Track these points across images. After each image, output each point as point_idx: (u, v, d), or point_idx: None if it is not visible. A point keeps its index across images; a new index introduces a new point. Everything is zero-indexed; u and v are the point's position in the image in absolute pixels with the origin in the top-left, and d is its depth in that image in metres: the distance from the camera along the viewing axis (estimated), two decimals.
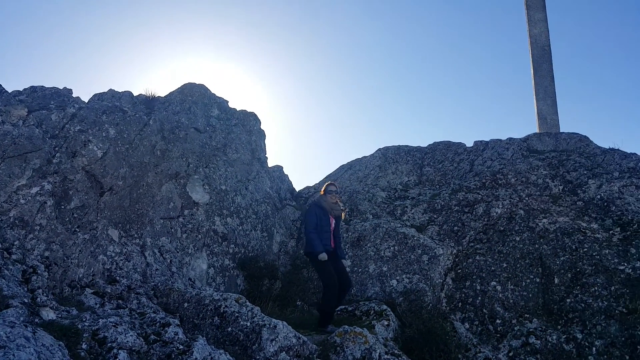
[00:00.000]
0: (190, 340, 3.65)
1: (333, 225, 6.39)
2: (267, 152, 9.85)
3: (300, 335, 4.79)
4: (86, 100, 6.82)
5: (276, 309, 6.29)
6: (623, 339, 5.87)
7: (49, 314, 3.55)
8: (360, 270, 7.78)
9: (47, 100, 6.11)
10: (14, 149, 5.05)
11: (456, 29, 52.13)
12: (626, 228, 7.24)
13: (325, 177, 11.43)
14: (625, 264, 6.64)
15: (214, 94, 8.92)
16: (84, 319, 3.52)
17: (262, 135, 9.86)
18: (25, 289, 3.73)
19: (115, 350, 3.20)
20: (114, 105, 6.66)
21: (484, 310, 6.74)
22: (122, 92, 7.34)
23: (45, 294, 3.81)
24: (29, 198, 4.82)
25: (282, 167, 10.28)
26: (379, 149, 11.64)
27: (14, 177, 4.88)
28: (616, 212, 7.65)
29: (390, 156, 11.20)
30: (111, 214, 5.51)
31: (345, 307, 7.03)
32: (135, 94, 7.54)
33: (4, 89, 5.96)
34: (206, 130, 8.06)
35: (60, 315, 3.62)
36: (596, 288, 6.51)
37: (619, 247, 6.94)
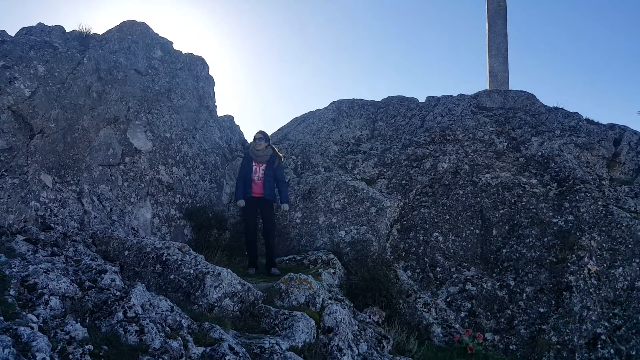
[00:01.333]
0: (129, 287, 3.63)
1: (262, 172, 6.86)
2: (216, 101, 9.49)
3: (246, 282, 4.87)
4: (12, 34, 6.22)
5: (224, 259, 6.36)
6: (551, 285, 6.33)
7: None
8: (310, 222, 7.89)
9: None
10: None
11: None
12: (562, 184, 7.64)
13: (278, 130, 11.32)
14: (559, 217, 7.05)
15: (157, 34, 8.33)
16: (12, 265, 3.43)
17: (210, 81, 9.43)
18: None
19: (46, 297, 3.14)
20: (44, 40, 6.09)
21: (426, 259, 7.05)
22: (52, 26, 6.75)
23: None
24: None
25: (232, 117, 9.99)
26: (333, 102, 11.57)
27: None
28: (555, 168, 8.03)
29: (344, 110, 11.17)
30: (43, 158, 5.21)
31: (294, 256, 7.18)
32: (68, 30, 6.94)
33: None
34: (148, 73, 7.61)
35: None
36: (530, 239, 6.91)
37: (555, 201, 7.35)
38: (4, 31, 6.06)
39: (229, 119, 9.81)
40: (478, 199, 7.65)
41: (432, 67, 60.87)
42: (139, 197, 6.38)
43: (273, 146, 7.27)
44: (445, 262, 6.99)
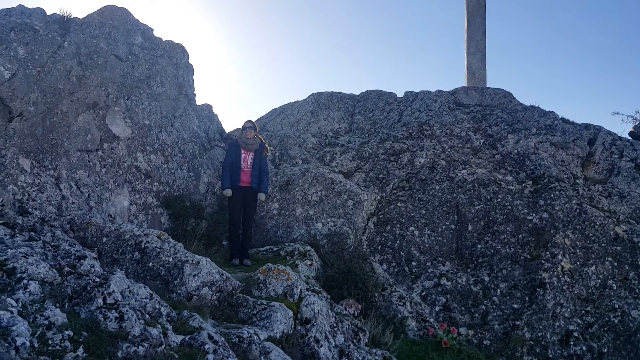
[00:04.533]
0: (108, 273, 3.65)
1: (251, 160, 7.00)
2: (195, 89, 9.51)
3: (224, 271, 4.93)
4: None
5: (201, 248, 6.43)
6: (524, 282, 6.59)
7: None
8: (287, 213, 7.98)
9: None
10: None
11: None
12: (537, 181, 7.93)
13: (257, 120, 11.33)
14: (534, 215, 7.32)
15: (138, 20, 8.34)
16: None
17: (190, 70, 9.45)
18: None
19: (25, 281, 3.16)
20: (24, 22, 6.09)
21: (401, 253, 7.24)
22: (33, 8, 6.72)
23: None
24: None
25: (211, 106, 10.01)
26: (312, 94, 11.67)
27: None
28: (530, 166, 8.32)
29: (322, 102, 11.27)
30: (22, 142, 5.21)
31: (270, 247, 7.26)
32: (49, 13, 6.92)
33: None
34: (128, 59, 7.61)
35: None
36: (505, 235, 7.17)
37: (530, 198, 7.62)
38: None
39: (208, 108, 9.83)
40: (454, 195, 7.88)
41: (411, 63, 61.50)
42: (116, 184, 6.39)
43: (260, 136, 7.38)
44: (421, 257, 7.19)
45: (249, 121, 7.26)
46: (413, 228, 7.55)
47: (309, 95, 11.90)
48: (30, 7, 6.75)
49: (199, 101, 9.75)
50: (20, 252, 3.44)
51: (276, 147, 9.79)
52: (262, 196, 7.15)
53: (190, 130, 8.56)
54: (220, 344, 3.51)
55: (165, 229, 6.79)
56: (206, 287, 4.48)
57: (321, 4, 52.65)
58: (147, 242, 4.62)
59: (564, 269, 6.69)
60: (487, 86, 11.19)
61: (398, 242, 7.42)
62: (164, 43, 8.86)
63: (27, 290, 3.09)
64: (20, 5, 6.67)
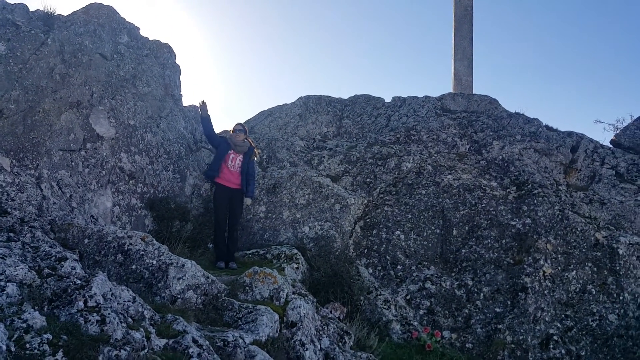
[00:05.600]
0: (89, 276, 3.54)
1: (239, 162, 6.94)
2: (182, 90, 9.36)
3: (210, 275, 4.83)
4: None
5: (186, 251, 6.30)
6: (507, 286, 6.59)
7: None
8: (274, 216, 7.90)
9: None
10: None
11: None
12: (521, 187, 7.96)
13: (245, 122, 11.23)
14: (517, 220, 7.35)
15: (124, 19, 8.19)
16: None
17: (177, 70, 9.30)
18: None
19: (2, 283, 3.05)
20: (6, 17, 5.95)
21: (387, 257, 7.20)
22: (15, 4, 6.53)
23: None
24: None
25: (198, 107, 9.81)
26: (301, 97, 11.64)
27: None
28: (514, 172, 8.36)
29: (311, 105, 11.24)
30: (1, 140, 5.08)
31: (257, 250, 7.18)
32: (32, 9, 6.72)
33: None
34: (113, 58, 7.46)
35: None
36: (489, 240, 7.18)
37: (513, 204, 7.65)
38: None
39: (195, 109, 9.68)
40: (440, 200, 7.88)
41: (399, 68, 61.81)
42: (99, 185, 6.24)
43: (250, 139, 7.33)
44: (406, 261, 7.17)
45: (239, 124, 7.25)
46: (399, 232, 7.52)
47: (298, 99, 11.87)
48: (12, 3, 6.56)
49: (186, 102, 9.62)
50: None
51: (264, 149, 9.72)
52: (248, 200, 7.09)
53: (176, 131, 8.44)
54: (204, 347, 3.43)
55: (149, 231, 6.65)
56: (191, 291, 4.39)
57: (310, 7, 52.73)
58: (131, 244, 4.51)
59: (546, 274, 6.71)
60: (474, 92, 11.26)
61: (384, 246, 7.39)
62: (150, 42, 8.71)
63: (4, 292, 2.98)
64: (1, 1, 6.43)
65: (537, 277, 6.58)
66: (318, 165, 9.25)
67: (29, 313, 2.85)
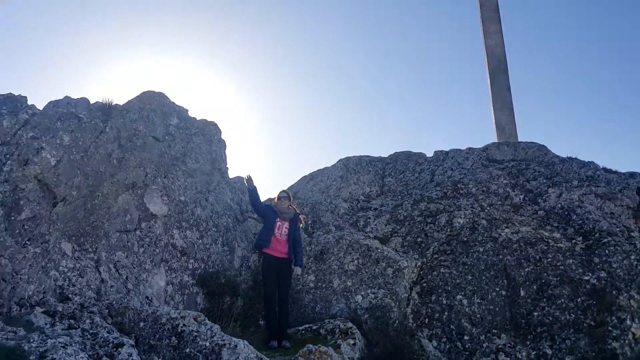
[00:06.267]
0: None
1: (286, 229, 6.78)
2: (228, 163, 9.64)
3: (263, 356, 4.55)
4: (41, 108, 6.61)
5: (238, 330, 6.19)
6: (593, 354, 5.80)
7: None
8: (324, 285, 7.46)
9: None
10: None
11: (413, 41, 52.99)
12: (588, 237, 7.26)
13: (288, 189, 11.04)
14: (590, 274, 6.61)
15: (174, 103, 8.71)
16: (31, 340, 3.42)
17: (222, 145, 9.64)
18: None
19: None
20: (70, 111, 6.43)
21: (451, 326, 6.55)
22: (78, 98, 7.11)
23: None
24: None
25: (244, 178, 9.84)
26: (341, 160, 11.42)
27: None
28: (577, 220, 7.67)
29: (351, 166, 10.97)
30: (64, 226, 5.31)
31: (310, 325, 6.74)
32: (92, 101, 7.30)
33: None
34: (165, 139, 7.85)
35: (6, 337, 3.49)
36: (563, 300, 6.45)
37: (582, 256, 6.94)
38: (33, 105, 6.44)
39: (240, 179, 9.85)
40: (500, 257, 7.24)
41: (437, 122, 61.22)
42: (153, 264, 6.35)
43: (294, 206, 7.12)
44: (473, 329, 6.48)
45: (283, 191, 7.23)
46: (461, 296, 6.88)
47: (338, 161, 11.66)
48: (75, 98, 7.15)
49: (232, 174, 9.70)
50: (59, 342, 3.42)
51: (308, 214, 9.43)
52: (298, 270, 6.84)
53: (223, 203, 8.53)
54: None
55: (201, 309, 6.61)
56: None
57: (342, 71, 53.96)
58: (184, 325, 4.48)
59: (636, 336, 5.85)
60: (519, 140, 10.72)
61: (446, 313, 6.74)
62: (198, 122, 9.13)
63: None
64: (66, 97, 7.04)
65: (627, 341, 5.76)
66: (364, 227, 8.84)
67: None
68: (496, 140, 11.11)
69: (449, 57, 52.86)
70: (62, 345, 3.39)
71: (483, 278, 7.03)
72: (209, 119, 9.54)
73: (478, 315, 6.61)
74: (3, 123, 5.55)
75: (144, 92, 8.27)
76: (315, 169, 11.89)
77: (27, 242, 4.75)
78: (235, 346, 4.30)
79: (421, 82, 56.13)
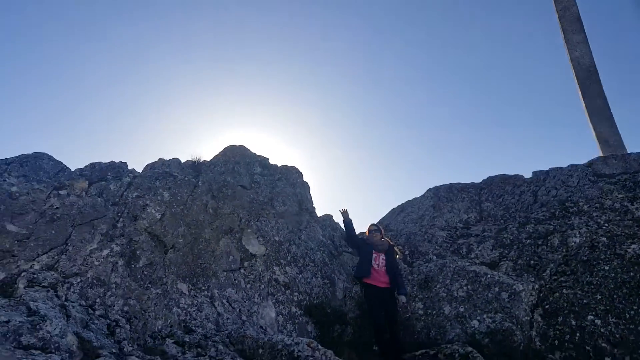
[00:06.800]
0: None
1: (383, 261, 6.99)
2: (313, 203, 10.10)
3: None
4: (139, 170, 7.58)
5: (354, 356, 6.11)
6: None
7: None
8: (434, 312, 7.36)
9: (104, 173, 6.78)
10: (82, 217, 5.67)
11: (490, 60, 52.15)
12: None
13: (378, 222, 11.17)
14: None
15: (255, 153, 9.49)
16: None
17: (306, 187, 10.19)
18: (112, 340, 4.00)
19: None
20: (165, 171, 7.32)
21: (587, 347, 6.17)
22: (170, 159, 8.03)
23: (130, 345, 4.20)
24: (102, 260, 5.32)
25: (332, 216, 10.40)
26: (429, 189, 11.46)
27: (86, 242, 5.42)
28: None
29: (442, 195, 10.94)
30: (177, 269, 5.93)
31: (426, 351, 6.68)
32: (183, 160, 8.20)
33: (66, 166, 6.67)
34: (252, 187, 8.51)
35: None
36: None
37: None
38: (133, 169, 7.41)
39: (329, 217, 10.27)
40: (631, 274, 6.79)
41: (528, 142, 58.63)
42: (261, 297, 6.76)
43: (387, 238, 7.34)
44: (615, 350, 6.05)
45: (373, 224, 7.50)
46: (592, 317, 6.49)
47: (427, 191, 11.69)
48: (168, 159, 8.08)
49: (319, 212, 10.11)
50: None
51: (404, 245, 9.45)
52: (403, 298, 7.00)
53: (316, 240, 8.94)
54: None
55: (313, 337, 6.69)
56: None
57: (423, 99, 54.11)
58: (299, 350, 4.68)
59: None
60: (628, 152, 10.19)
61: (578, 334, 6.37)
62: (279, 168, 9.78)
63: None
64: (160, 159, 7.97)
65: None
66: (468, 254, 8.68)
67: None
68: (601, 154, 10.60)
69: (530, 75, 51.26)
70: None
71: (615, 297, 6.59)
72: (289, 165, 10.20)
73: (617, 336, 6.16)
74: (110, 187, 6.35)
75: (226, 147, 9.13)
76: (403, 201, 11.96)
77: (148, 284, 5.39)
78: None
79: (506, 103, 54.64)
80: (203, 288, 5.96)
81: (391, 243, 7.35)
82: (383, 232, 7.51)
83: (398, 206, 12.02)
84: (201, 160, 8.43)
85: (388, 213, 11.96)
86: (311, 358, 4.62)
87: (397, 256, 7.41)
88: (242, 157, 9.08)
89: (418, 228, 10.42)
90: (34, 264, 4.90)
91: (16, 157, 6.10)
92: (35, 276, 4.63)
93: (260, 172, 9.17)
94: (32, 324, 3.49)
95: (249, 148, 9.54)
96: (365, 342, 6.90)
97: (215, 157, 8.83)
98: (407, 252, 9.46)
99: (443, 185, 11.56)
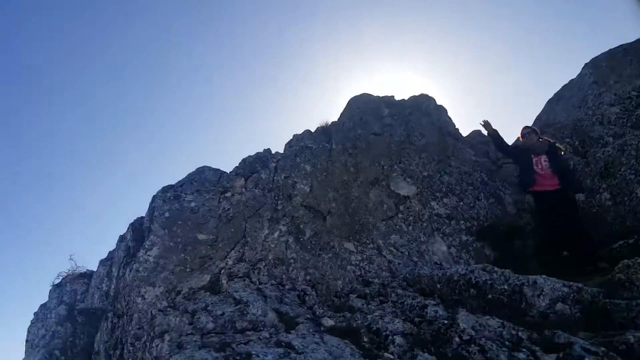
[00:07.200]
0: (452, 314, 3.86)
1: (545, 163, 6.61)
2: (455, 125, 9.62)
3: (572, 283, 4.53)
4: (281, 151, 8.24)
5: (538, 267, 6.09)
6: None
7: (328, 322, 4.40)
8: (625, 198, 6.93)
9: (254, 165, 7.56)
10: (249, 211, 6.54)
11: None
12: None
13: (536, 118, 10.50)
14: None
15: (377, 96, 9.37)
16: (356, 319, 4.24)
17: (442, 111, 9.75)
18: (305, 307, 4.76)
19: (390, 337, 3.72)
20: (300, 146, 7.79)
21: None
22: (303, 132, 8.49)
23: (320, 308, 4.91)
24: (276, 241, 6.19)
25: (479, 131, 9.81)
26: (586, 64, 10.25)
27: (259, 230, 6.31)
28: None
29: (603, 65, 9.74)
30: (339, 231, 6.47)
31: (625, 241, 6.38)
32: (313, 130, 8.57)
33: (223, 171, 7.55)
34: (383, 132, 8.54)
35: (337, 321, 4.41)
36: None
37: None
38: (277, 152, 8.03)
39: (477, 133, 9.81)
40: None
41: None
42: (427, 235, 7.03)
43: (546, 137, 6.99)
44: None
45: (526, 127, 7.10)
46: None
47: (583, 67, 10.48)
48: (300, 133, 8.55)
49: (465, 130, 9.81)
50: (376, 316, 4.20)
51: (572, 136, 8.81)
52: (580, 196, 6.68)
53: (469, 162, 8.75)
54: (600, 353, 3.17)
55: (492, 260, 6.81)
56: (560, 302, 4.20)
57: None
58: (476, 277, 4.83)
59: None
60: None
61: None
62: (407, 101, 9.55)
63: (395, 343, 3.60)
64: (294, 135, 8.52)
65: None
66: None
67: (421, 356, 3.34)
68: None
69: None
70: (379, 317, 4.15)
71: None
72: (417, 94, 9.78)
73: None
74: (262, 177, 7.06)
75: (348, 101, 9.17)
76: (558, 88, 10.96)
77: (319, 252, 6.06)
78: (535, 282, 4.42)
79: None
80: (367, 242, 6.43)
81: (551, 141, 6.92)
82: (539, 132, 7.07)
83: (554, 95, 11.06)
84: (329, 123, 8.67)
85: (544, 106, 11.14)
86: (490, 281, 4.70)
87: (562, 152, 6.95)
88: (366, 105, 9.09)
89: (583, 112, 9.57)
90: (227, 261, 5.89)
91: (185, 177, 7.07)
92: (231, 270, 5.65)
93: (389, 113, 9.09)
94: (240, 311, 4.45)
95: (370, 93, 9.44)
96: (549, 252, 6.84)
97: (341, 115, 8.98)
98: (576, 143, 8.86)
99: (600, 54, 10.29)
